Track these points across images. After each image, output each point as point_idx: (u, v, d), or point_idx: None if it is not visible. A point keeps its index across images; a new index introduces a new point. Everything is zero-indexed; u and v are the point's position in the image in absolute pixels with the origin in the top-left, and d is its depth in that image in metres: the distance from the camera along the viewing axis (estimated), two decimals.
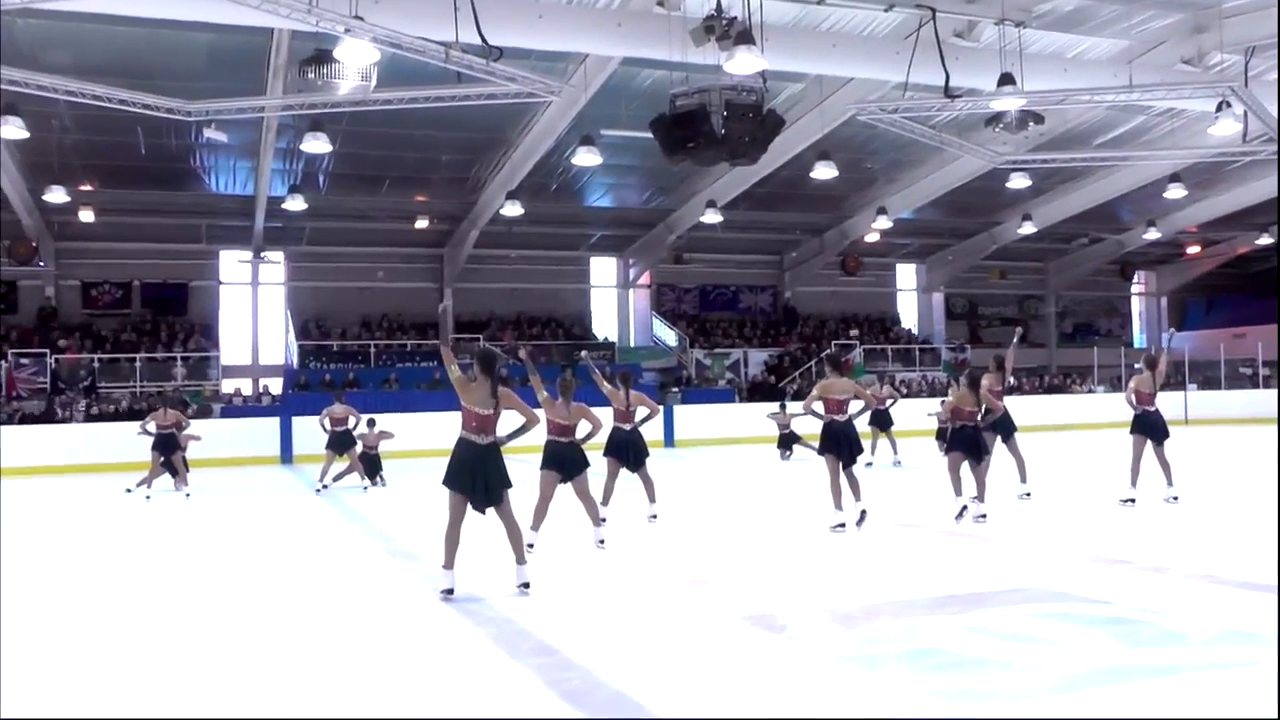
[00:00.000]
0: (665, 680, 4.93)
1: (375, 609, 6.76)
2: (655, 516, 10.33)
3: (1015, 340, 12.21)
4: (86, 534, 11.26)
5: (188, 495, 14.31)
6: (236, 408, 24.65)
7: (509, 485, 6.97)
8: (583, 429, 8.64)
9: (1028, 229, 30.06)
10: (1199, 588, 6.73)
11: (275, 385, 27.02)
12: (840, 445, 9.52)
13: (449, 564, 6.85)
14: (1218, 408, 28.20)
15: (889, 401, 17.08)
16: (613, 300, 32.98)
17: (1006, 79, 15.93)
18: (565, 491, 8.63)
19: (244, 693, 4.97)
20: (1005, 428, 11.47)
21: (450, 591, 6.78)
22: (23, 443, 19.99)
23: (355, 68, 14.65)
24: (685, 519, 10.80)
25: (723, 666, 5.15)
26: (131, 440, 15.93)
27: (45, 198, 23.08)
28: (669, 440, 23.83)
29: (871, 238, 31.04)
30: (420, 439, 18.41)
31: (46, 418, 22.42)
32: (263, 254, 28.32)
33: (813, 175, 22.85)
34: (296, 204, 23.79)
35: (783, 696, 4.66)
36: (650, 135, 15.04)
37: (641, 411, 10.07)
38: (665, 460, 18.10)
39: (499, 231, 27.29)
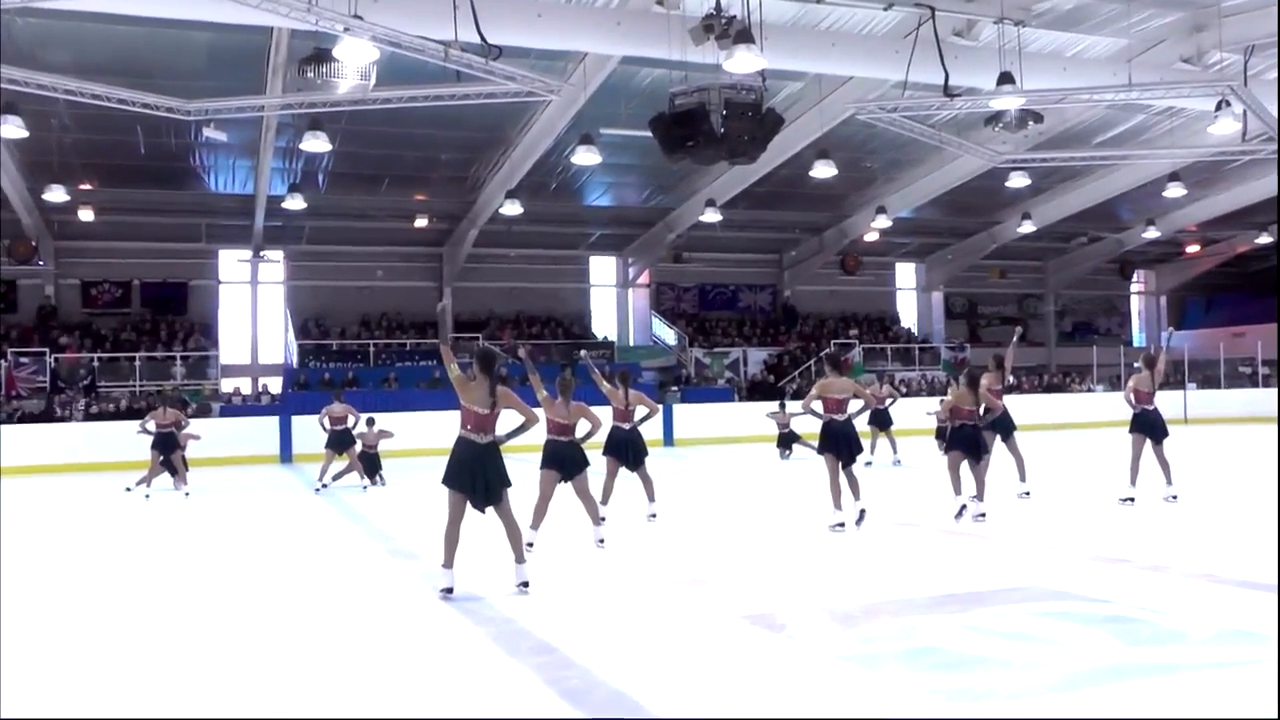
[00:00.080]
0: (664, 679, 4.94)
1: (375, 608, 6.76)
2: (654, 516, 10.33)
3: (1014, 339, 12.23)
4: (86, 533, 11.25)
5: (187, 494, 14.32)
6: (236, 407, 24.63)
7: (508, 484, 6.98)
8: (582, 428, 8.64)
9: (1027, 228, 30.06)
10: (1198, 587, 6.74)
11: (275, 384, 27.02)
12: (839, 444, 9.53)
13: (448, 563, 6.86)
14: (1217, 407, 28.17)
15: (888, 401, 17.07)
16: (612, 299, 32.95)
17: (1006, 78, 15.93)
18: (565, 491, 8.64)
19: (244, 692, 4.98)
20: (1005, 427, 11.47)
21: (450, 590, 6.79)
22: (22, 442, 19.95)
23: (355, 67, 14.65)
24: (684, 518, 10.80)
25: (722, 665, 5.15)
26: (131, 439, 15.90)
27: (45, 197, 23.05)
28: (668, 439, 23.82)
29: (871, 237, 30.99)
30: (419, 438, 18.39)
31: (46, 417, 22.41)
32: (262, 253, 28.27)
33: (812, 174, 22.85)
34: (296, 203, 23.78)
35: (782, 696, 4.66)
36: (649, 134, 15.02)
37: (641, 411, 10.07)
38: (664, 459, 18.11)
39: (498, 230, 27.27)
